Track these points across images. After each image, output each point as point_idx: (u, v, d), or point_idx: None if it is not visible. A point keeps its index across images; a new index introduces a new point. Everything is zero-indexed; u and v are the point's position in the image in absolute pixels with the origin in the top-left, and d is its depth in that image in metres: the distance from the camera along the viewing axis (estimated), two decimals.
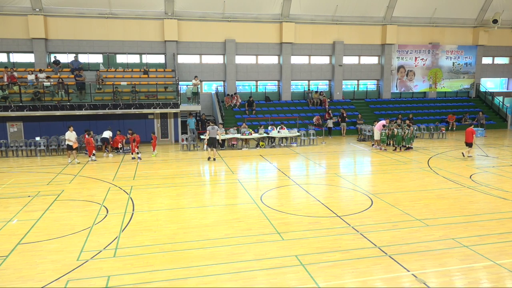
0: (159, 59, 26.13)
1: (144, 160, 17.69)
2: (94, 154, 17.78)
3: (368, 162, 17.39)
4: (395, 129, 19.28)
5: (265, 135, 21.10)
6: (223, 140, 20.65)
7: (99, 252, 7.85)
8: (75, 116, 20.72)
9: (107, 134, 19.09)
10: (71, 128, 17.42)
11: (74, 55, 23.70)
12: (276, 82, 28.70)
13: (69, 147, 17.22)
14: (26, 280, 6.79)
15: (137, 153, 17.87)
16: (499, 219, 9.62)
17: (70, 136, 17.16)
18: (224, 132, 20.98)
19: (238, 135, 20.73)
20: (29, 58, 24.42)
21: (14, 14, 23.39)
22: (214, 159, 17.59)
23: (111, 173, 15.06)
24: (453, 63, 30.75)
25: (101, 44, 24.83)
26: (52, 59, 23.42)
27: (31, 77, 21.35)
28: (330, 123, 25.48)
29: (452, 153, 18.63)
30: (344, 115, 25.94)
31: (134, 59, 25.86)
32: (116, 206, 10.91)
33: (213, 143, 17.64)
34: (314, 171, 15.93)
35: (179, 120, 22.91)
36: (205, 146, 18.39)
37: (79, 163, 17.06)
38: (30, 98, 20.42)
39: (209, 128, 17.80)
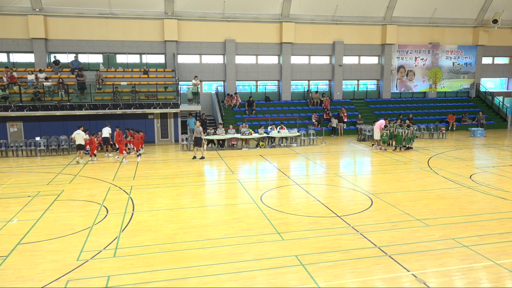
0: (159, 59, 26.14)
1: (144, 160, 17.70)
2: (95, 155, 17.80)
3: (368, 162, 17.39)
4: (396, 129, 19.25)
5: (265, 135, 21.10)
6: (223, 140, 20.68)
7: (99, 252, 7.85)
8: (75, 116, 20.73)
9: (106, 132, 18.99)
10: (82, 128, 17.63)
11: (74, 55, 23.72)
12: (276, 82, 28.71)
13: (80, 147, 17.29)
14: (26, 280, 6.79)
15: (137, 151, 17.99)
16: (499, 219, 9.62)
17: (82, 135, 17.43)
18: (224, 132, 21.00)
19: (238, 135, 20.74)
20: (29, 58, 24.43)
21: (14, 14, 23.39)
22: (202, 157, 17.63)
23: (111, 173, 15.06)
24: (453, 63, 30.75)
25: (101, 44, 24.84)
26: (52, 59, 23.43)
27: (31, 77, 21.36)
28: (334, 123, 25.50)
29: (452, 153, 18.63)
30: (341, 114, 25.89)
31: (134, 59, 25.87)
32: (116, 206, 10.91)
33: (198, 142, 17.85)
34: (314, 171, 15.93)
35: (179, 120, 22.92)
36: (205, 146, 18.43)
37: (78, 163, 17.13)
38: (30, 98, 20.43)
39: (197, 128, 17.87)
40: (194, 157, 17.87)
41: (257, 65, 27.88)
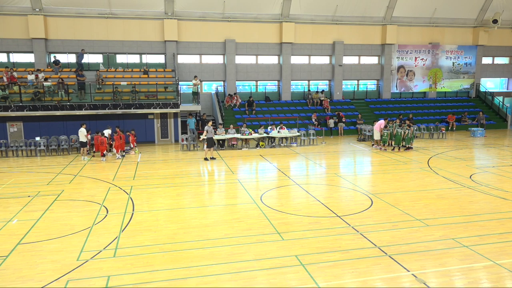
0: (159, 59, 26.13)
1: (144, 160, 17.70)
2: (104, 155, 17.89)
3: (368, 162, 17.39)
4: (396, 129, 19.25)
5: (265, 135, 21.10)
6: (223, 140, 20.67)
7: (99, 252, 7.85)
8: (75, 116, 20.73)
9: (106, 133, 19.10)
10: (84, 126, 18.12)
11: (82, 48, 23.50)
12: (276, 82, 28.70)
13: (83, 144, 17.91)
14: (26, 280, 6.79)
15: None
16: (499, 219, 9.62)
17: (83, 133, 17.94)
18: (224, 132, 20.99)
19: (238, 135, 20.74)
20: (29, 58, 24.42)
21: (14, 14, 23.38)
22: (214, 158, 17.64)
23: (111, 173, 15.06)
24: (453, 63, 30.75)
25: (101, 44, 24.83)
26: (52, 59, 23.41)
27: (31, 77, 21.35)
28: (331, 123, 25.51)
29: (452, 153, 18.64)
30: (341, 115, 26.00)
31: (134, 59, 25.86)
32: (116, 206, 10.91)
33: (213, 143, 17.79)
34: (314, 171, 15.93)
35: (179, 120, 22.92)
36: (205, 146, 18.39)
37: (83, 159, 17.49)
38: (30, 98, 20.43)
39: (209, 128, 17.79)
40: (213, 158, 17.73)
41: (257, 65, 27.87)
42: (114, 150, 18.26)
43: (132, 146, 19.51)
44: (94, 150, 18.73)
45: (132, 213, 10.25)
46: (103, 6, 24.30)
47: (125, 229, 9.11)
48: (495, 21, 29.34)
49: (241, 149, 20.64)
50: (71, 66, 24.12)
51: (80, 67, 22.58)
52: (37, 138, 19.83)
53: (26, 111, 19.82)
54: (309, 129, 23.44)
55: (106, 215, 10.11)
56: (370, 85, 30.52)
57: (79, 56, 23.00)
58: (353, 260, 7.40)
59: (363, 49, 29.12)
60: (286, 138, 21.73)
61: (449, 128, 26.69)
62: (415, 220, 9.55)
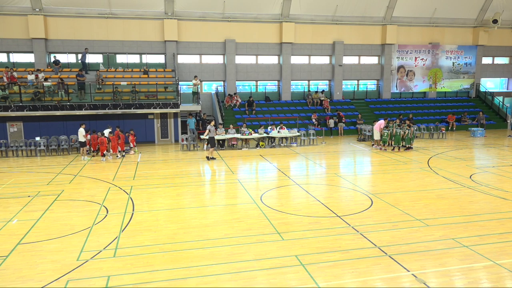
0: (159, 59, 26.13)
1: (144, 160, 17.71)
2: (104, 155, 17.90)
3: (368, 162, 17.39)
4: (395, 129, 19.25)
5: (265, 135, 21.10)
6: (223, 140, 20.67)
7: (99, 252, 7.85)
8: (75, 116, 20.73)
9: (107, 133, 19.12)
10: (83, 126, 18.20)
11: (85, 47, 23.52)
12: (276, 82, 28.70)
13: (82, 144, 18.04)
14: (26, 280, 6.79)
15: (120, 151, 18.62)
16: (499, 219, 9.62)
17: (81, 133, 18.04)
18: (224, 132, 20.99)
19: (238, 135, 20.74)
20: (29, 58, 24.43)
21: (14, 14, 23.39)
22: (214, 158, 17.65)
23: (111, 173, 15.06)
24: (453, 63, 30.74)
25: (101, 44, 24.83)
26: (52, 59, 23.42)
27: (31, 77, 21.36)
28: (331, 123, 25.51)
29: (452, 153, 18.63)
30: (341, 114, 26.01)
31: (134, 59, 25.86)
32: (116, 206, 10.91)
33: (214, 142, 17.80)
34: (314, 171, 15.93)
35: (179, 120, 22.92)
36: (205, 146, 18.41)
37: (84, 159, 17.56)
38: (30, 98, 20.43)
39: (211, 127, 17.81)
40: (213, 158, 17.70)
41: (257, 65, 27.87)
42: (111, 150, 18.27)
43: (132, 145, 19.52)
44: (92, 149, 18.73)
45: (132, 213, 10.25)
46: (103, 6, 24.30)
47: (125, 229, 9.11)
48: (495, 21, 29.35)
49: (241, 149, 20.64)
50: (71, 66, 24.16)
51: (83, 66, 22.63)
52: (37, 138, 19.83)
53: (26, 111, 19.82)
54: (309, 129, 23.45)
55: (106, 215, 10.11)
56: (370, 85, 30.52)
57: (83, 55, 23.02)
58: (353, 260, 7.40)
59: (363, 49, 29.11)
60: (286, 138, 21.73)
61: (449, 128, 26.68)
62: (415, 220, 9.55)
